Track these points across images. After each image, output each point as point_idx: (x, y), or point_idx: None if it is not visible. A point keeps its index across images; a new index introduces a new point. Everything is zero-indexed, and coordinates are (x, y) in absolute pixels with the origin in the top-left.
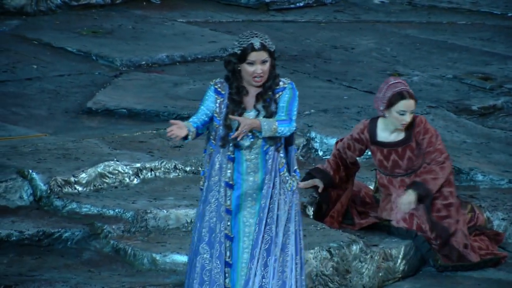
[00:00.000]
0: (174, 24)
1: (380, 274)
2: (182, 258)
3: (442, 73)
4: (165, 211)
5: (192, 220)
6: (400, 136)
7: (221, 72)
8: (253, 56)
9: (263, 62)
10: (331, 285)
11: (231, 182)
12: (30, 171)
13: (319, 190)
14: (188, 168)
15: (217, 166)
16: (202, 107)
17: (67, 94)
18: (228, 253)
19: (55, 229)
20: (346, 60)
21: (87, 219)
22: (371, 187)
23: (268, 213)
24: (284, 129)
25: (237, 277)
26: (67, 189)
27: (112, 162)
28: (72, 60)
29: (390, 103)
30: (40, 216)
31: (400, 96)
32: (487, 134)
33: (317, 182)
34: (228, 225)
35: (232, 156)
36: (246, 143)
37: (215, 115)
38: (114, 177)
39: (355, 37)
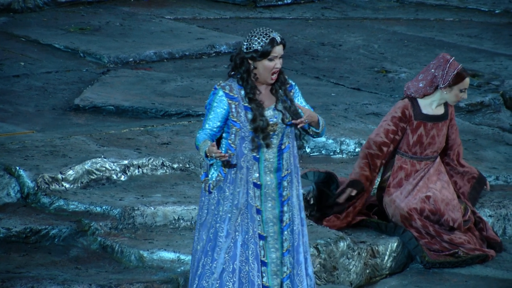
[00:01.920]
0: (162, 21)
1: (368, 271)
2: (169, 255)
3: None
4: (153, 208)
5: (180, 217)
6: (441, 110)
7: (208, 69)
8: (276, 50)
9: (281, 56)
10: (318, 281)
11: (258, 182)
12: (18, 168)
13: (353, 194)
14: (175, 165)
15: (244, 168)
16: (213, 114)
17: (55, 91)
18: (262, 252)
19: (42, 226)
20: (333, 57)
21: (75, 216)
22: None
23: (294, 211)
24: (325, 128)
25: (270, 276)
26: (55, 186)
27: (99, 159)
28: (59, 57)
29: (455, 81)
30: (27, 213)
31: (466, 73)
32: (474, 131)
33: (349, 191)
34: (259, 225)
35: (258, 156)
36: (274, 140)
37: (234, 119)
38: (101, 174)
39: (342, 34)
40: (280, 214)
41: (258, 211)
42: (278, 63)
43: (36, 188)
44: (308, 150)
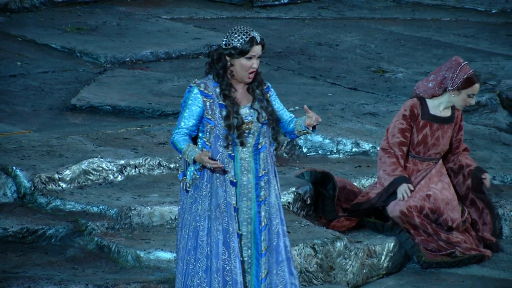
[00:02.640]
0: (159, 20)
1: (364, 271)
2: (166, 255)
3: (426, 69)
4: (149, 208)
5: (177, 217)
6: (448, 113)
7: (205, 69)
8: (254, 50)
9: (259, 56)
10: (315, 281)
11: (234, 180)
12: (14, 168)
13: (412, 188)
14: (172, 165)
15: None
16: (188, 112)
17: (51, 91)
18: (238, 250)
19: (39, 226)
20: (330, 57)
21: (71, 216)
22: (355, 184)
23: (273, 211)
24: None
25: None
26: (51, 186)
27: (96, 159)
28: (56, 57)
29: (464, 85)
30: (24, 213)
31: (476, 79)
32: (471, 131)
33: (407, 186)
34: (236, 223)
35: (233, 154)
36: (250, 139)
37: (208, 117)
38: (98, 174)
39: (339, 34)
40: (257, 215)
41: (235, 209)
42: (255, 63)
43: (32, 188)
44: (305, 150)
